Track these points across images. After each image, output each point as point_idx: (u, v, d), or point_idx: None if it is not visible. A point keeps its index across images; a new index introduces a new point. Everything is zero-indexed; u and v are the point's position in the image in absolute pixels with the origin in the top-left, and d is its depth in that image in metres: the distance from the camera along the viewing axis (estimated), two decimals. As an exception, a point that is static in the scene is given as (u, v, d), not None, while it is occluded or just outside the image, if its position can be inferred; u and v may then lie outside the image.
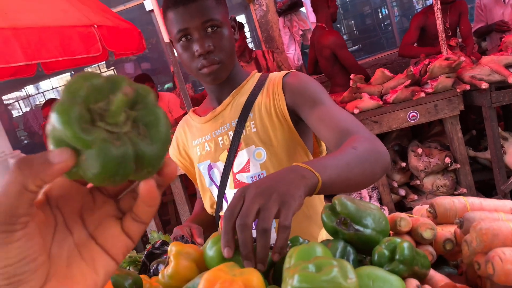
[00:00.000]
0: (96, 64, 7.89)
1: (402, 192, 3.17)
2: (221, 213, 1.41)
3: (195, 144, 1.45)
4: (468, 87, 2.82)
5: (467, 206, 0.93)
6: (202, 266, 0.89)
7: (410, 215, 0.91)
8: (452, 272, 0.98)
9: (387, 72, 3.07)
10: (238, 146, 1.34)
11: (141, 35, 3.88)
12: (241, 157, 1.35)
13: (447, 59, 2.89)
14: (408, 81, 2.97)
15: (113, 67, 7.23)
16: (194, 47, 1.21)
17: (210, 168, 1.42)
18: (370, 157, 0.97)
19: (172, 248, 0.87)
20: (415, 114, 2.97)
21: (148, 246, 1.13)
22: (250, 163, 1.33)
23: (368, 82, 3.21)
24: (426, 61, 2.99)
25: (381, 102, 2.98)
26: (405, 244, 0.71)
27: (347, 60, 3.80)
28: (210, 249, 0.79)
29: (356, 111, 2.95)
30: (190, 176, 1.55)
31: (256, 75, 1.40)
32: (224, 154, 1.37)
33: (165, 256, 1.10)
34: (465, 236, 0.76)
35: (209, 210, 1.50)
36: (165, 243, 1.14)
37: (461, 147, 2.99)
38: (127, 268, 1.18)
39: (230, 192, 1.37)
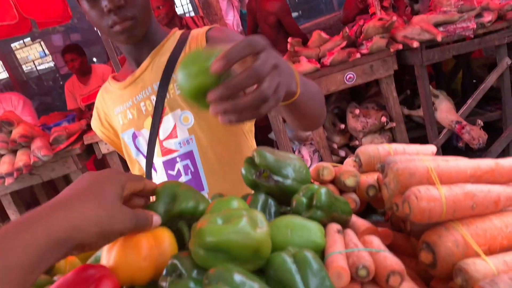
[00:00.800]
0: (22, 40, 7.30)
1: (342, 153, 3.24)
2: None
3: (117, 112, 1.33)
4: (400, 46, 2.87)
5: (391, 152, 0.93)
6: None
7: (334, 164, 0.89)
8: (380, 220, 0.98)
9: (324, 35, 3.06)
10: (162, 111, 1.25)
11: (65, 2, 3.58)
12: (167, 123, 1.26)
13: (380, 19, 2.92)
14: (344, 43, 2.97)
15: (39, 39, 6.68)
16: (103, 2, 1.08)
17: (134, 137, 1.32)
18: (321, 97, 1.02)
19: None
20: (351, 76, 3.00)
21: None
22: (177, 128, 1.25)
23: (305, 45, 3.18)
24: (361, 22, 3.01)
25: (318, 65, 2.98)
26: (323, 190, 0.68)
27: (291, 26, 3.74)
28: (187, 67, 0.60)
29: (294, 74, 2.92)
30: (116, 148, 1.44)
31: (177, 33, 1.29)
32: (148, 121, 1.27)
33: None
34: (384, 179, 0.74)
35: None
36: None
37: (396, 106, 3.07)
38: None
39: (158, 160, 1.28)
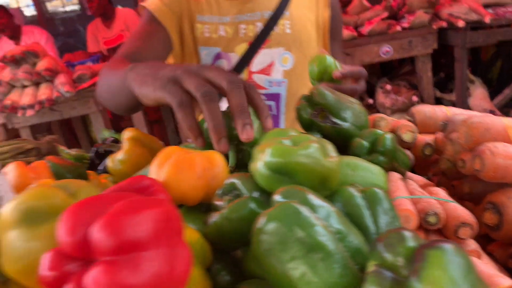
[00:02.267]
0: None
1: (366, 128, 3.18)
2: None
3: (201, 20, 1.17)
4: (444, 24, 2.75)
5: (448, 114, 0.87)
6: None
7: (392, 118, 0.84)
8: (423, 185, 0.94)
9: (365, 2, 2.93)
10: (265, 43, 1.15)
11: None
12: (265, 56, 1.16)
13: (427, -7, 2.78)
14: (385, 14, 2.85)
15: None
16: None
17: (217, 57, 1.18)
18: None
19: (126, 133, 0.76)
20: (388, 49, 2.89)
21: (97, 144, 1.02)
22: (273, 66, 1.17)
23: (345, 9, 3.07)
24: (406, -7, 2.87)
25: (355, 33, 2.87)
26: (388, 135, 0.63)
27: None
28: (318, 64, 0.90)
29: (329, 40, 2.82)
30: (168, 27, 1.15)
31: None
32: (243, 47, 1.16)
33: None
34: (450, 135, 0.69)
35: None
36: (116, 141, 1.02)
37: (429, 86, 2.98)
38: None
39: None
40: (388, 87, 3.00)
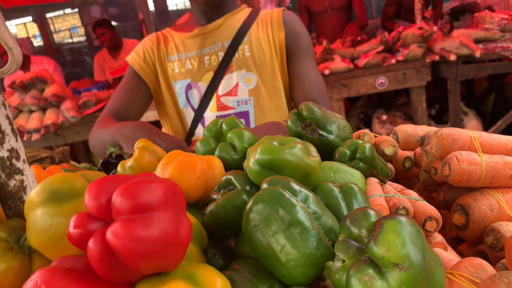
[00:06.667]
0: (62, 11, 7.48)
1: (363, 157, 3.25)
2: (194, 138, 1.38)
3: (172, 59, 1.37)
4: (437, 57, 2.87)
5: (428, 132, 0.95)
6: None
7: (374, 134, 0.91)
8: (406, 199, 1.01)
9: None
10: (228, 69, 1.31)
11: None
12: (229, 80, 1.31)
13: (420, 28, 2.92)
14: (381, 47, 2.99)
15: (77, 8, 6.85)
16: None
17: (188, 88, 1.36)
18: None
19: (139, 143, 0.83)
20: (383, 81, 3.00)
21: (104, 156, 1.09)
22: (239, 87, 1.32)
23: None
24: (400, 28, 3.02)
25: (352, 66, 3.00)
26: (367, 145, 0.71)
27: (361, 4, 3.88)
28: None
29: (326, 72, 2.95)
30: (147, 81, 1.39)
31: (247, 9, 1.39)
32: (209, 75, 1.32)
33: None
34: (425, 147, 0.77)
35: (172, 133, 1.45)
36: (121, 156, 1.10)
37: (424, 117, 3.07)
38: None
39: (211, 115, 1.33)
40: (384, 117, 3.10)
